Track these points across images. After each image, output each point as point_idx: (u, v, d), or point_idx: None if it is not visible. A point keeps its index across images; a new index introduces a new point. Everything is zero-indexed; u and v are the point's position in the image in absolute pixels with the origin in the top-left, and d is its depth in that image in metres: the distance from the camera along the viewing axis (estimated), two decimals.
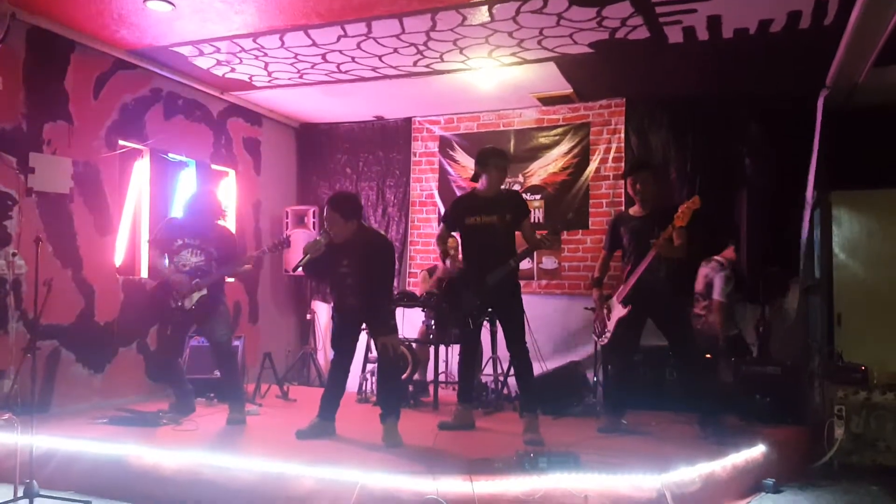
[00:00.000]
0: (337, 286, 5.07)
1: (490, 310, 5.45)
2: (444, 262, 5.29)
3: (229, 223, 7.08)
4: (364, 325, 5.24)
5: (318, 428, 4.96)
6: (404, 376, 6.32)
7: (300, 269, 5.04)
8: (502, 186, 5.30)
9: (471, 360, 5.46)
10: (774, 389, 5.77)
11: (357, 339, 5.22)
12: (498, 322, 5.57)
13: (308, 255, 4.90)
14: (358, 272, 4.90)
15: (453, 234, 5.46)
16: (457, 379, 5.66)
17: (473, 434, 5.23)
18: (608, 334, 5.39)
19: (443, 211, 7.95)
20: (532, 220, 5.62)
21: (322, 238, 4.93)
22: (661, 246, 5.00)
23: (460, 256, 5.45)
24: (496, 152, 5.24)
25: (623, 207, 5.52)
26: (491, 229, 5.09)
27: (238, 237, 6.58)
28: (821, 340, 6.48)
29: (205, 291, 5.31)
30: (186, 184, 7.13)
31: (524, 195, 7.57)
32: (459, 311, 5.20)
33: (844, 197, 7.03)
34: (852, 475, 5.05)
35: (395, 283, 7.07)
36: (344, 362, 5.15)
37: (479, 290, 5.06)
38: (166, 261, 5.37)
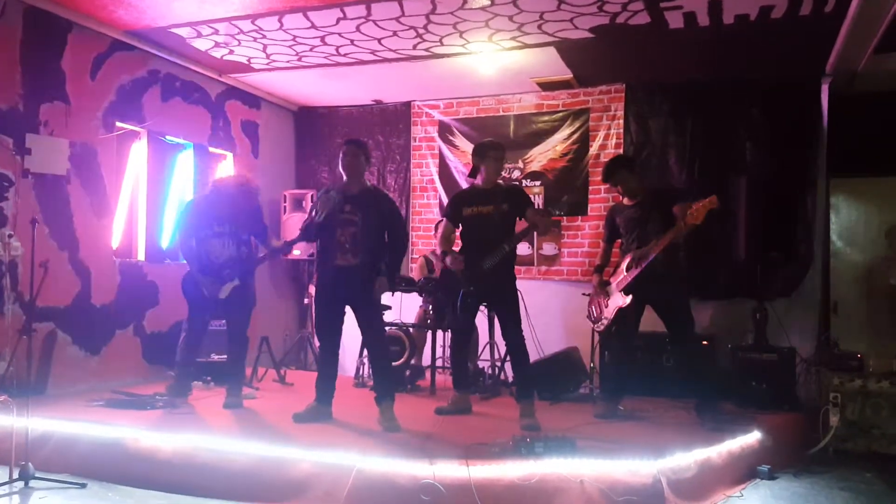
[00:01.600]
0: (334, 241, 4.87)
1: (486, 300, 5.43)
2: (443, 260, 5.29)
3: None
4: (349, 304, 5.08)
5: (314, 412, 4.96)
6: (401, 361, 6.33)
7: (305, 224, 5.02)
8: (501, 180, 5.34)
9: (463, 347, 5.45)
10: (771, 376, 5.80)
11: (342, 319, 5.08)
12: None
13: (325, 211, 4.83)
14: (364, 223, 4.83)
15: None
16: (450, 367, 5.68)
17: (470, 419, 5.24)
18: (605, 321, 5.41)
19: (444, 197, 7.95)
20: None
21: (334, 194, 4.88)
22: (670, 240, 5.01)
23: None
24: (493, 144, 5.31)
25: (620, 195, 5.52)
26: (487, 219, 5.12)
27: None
28: (817, 328, 6.50)
29: (237, 282, 5.32)
30: (184, 166, 7.12)
31: (524, 181, 7.61)
32: (454, 298, 5.20)
33: (842, 184, 7.02)
34: (847, 462, 5.07)
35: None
36: (331, 345, 5.08)
37: (474, 276, 5.06)
38: (193, 243, 5.38)
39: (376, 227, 4.90)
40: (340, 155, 5.02)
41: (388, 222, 4.97)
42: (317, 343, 5.65)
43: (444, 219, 5.47)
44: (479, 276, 5.05)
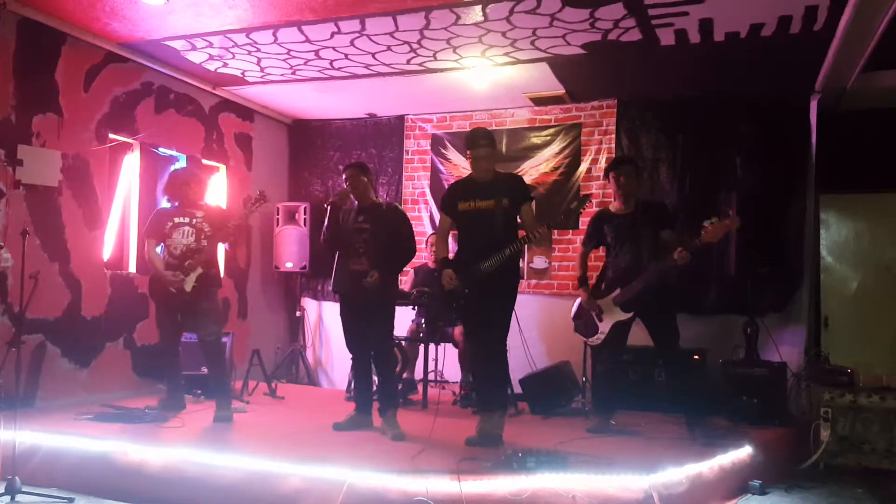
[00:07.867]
0: (351, 248, 5.12)
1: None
2: (435, 263, 5.28)
3: None
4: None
5: (356, 422, 5.11)
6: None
7: (321, 238, 5.25)
8: (498, 169, 4.89)
9: (479, 357, 5.06)
10: (762, 391, 5.80)
11: (364, 327, 5.20)
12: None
13: (338, 198, 5.12)
14: (374, 231, 5.05)
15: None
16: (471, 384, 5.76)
17: (461, 433, 5.21)
18: (601, 335, 5.37)
19: (434, 210, 7.95)
20: None
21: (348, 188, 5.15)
22: (681, 259, 4.97)
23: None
24: (481, 132, 4.88)
25: (614, 197, 5.45)
26: (486, 215, 4.65)
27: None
28: (808, 343, 6.52)
29: (200, 270, 5.30)
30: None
31: None
32: (449, 304, 4.86)
33: (832, 200, 7.07)
34: (838, 477, 5.07)
35: None
36: (362, 354, 5.21)
37: (471, 278, 4.62)
38: (160, 249, 5.40)
39: (386, 235, 5.04)
40: (343, 179, 5.23)
41: (394, 230, 5.11)
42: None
43: (440, 212, 5.10)
44: (476, 279, 4.60)
